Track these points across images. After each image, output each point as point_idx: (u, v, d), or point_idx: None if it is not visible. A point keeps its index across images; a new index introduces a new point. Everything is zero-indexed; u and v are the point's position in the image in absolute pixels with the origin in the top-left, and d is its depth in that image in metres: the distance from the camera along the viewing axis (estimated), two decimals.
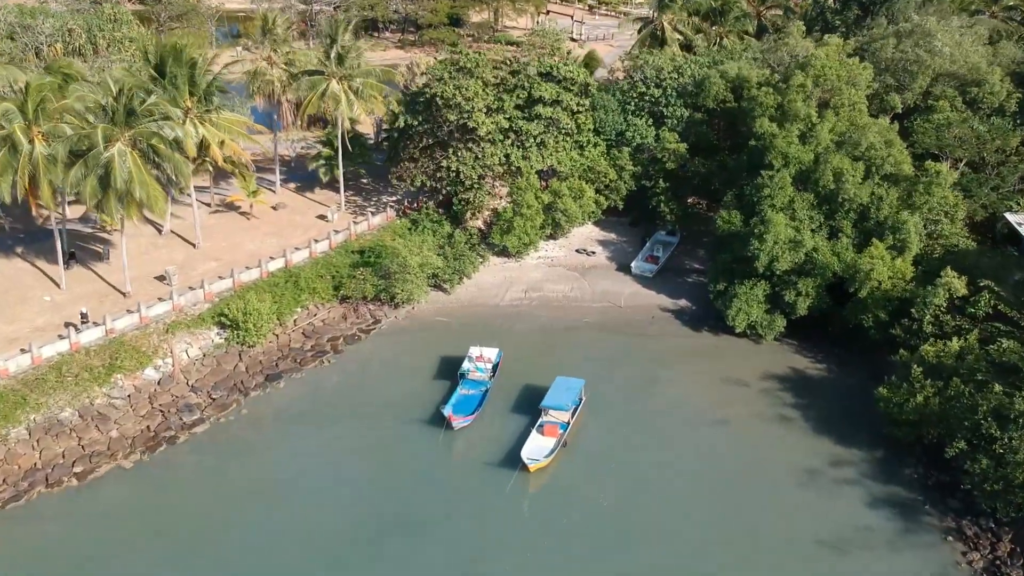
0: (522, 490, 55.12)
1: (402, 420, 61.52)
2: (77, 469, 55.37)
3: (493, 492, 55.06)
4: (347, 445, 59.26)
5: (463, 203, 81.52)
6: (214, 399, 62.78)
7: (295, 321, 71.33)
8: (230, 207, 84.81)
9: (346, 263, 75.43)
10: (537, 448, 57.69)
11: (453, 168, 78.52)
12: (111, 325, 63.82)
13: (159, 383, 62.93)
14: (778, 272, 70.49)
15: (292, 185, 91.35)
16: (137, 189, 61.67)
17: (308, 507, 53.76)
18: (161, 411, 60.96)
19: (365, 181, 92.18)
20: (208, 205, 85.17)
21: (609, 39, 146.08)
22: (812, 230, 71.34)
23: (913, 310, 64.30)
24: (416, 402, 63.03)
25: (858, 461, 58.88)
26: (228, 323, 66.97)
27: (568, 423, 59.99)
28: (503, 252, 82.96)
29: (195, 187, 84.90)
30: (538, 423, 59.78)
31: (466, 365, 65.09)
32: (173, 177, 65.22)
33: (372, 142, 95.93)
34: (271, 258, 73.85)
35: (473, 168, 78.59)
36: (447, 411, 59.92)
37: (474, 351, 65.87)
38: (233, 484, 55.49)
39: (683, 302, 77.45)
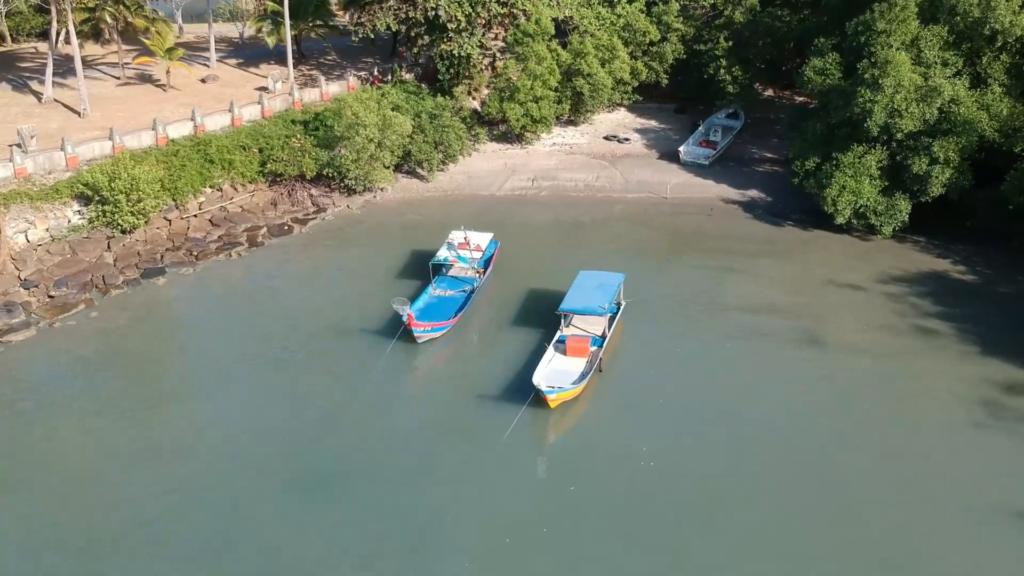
0: (530, 435, 33.08)
1: (333, 331, 39.91)
2: None
3: (479, 438, 33.23)
4: (238, 362, 37.64)
5: (449, 63, 59.76)
6: (53, 297, 41.53)
7: (200, 204, 49.92)
8: (142, 77, 63.71)
9: (282, 134, 53.93)
10: (557, 372, 35.97)
11: (432, 6, 56.73)
12: None
13: None
14: (899, 135, 48.17)
15: (234, 61, 70.17)
16: None
17: (165, 452, 32.23)
18: None
19: (330, 58, 70.89)
20: (117, 78, 64.14)
21: None
22: (946, 78, 48.88)
23: None
24: (360, 309, 41.42)
25: None
26: (93, 197, 45.69)
27: (603, 337, 38.25)
28: (504, 137, 61.29)
29: (106, 63, 65.45)
30: (557, 337, 38.13)
31: (443, 253, 43.39)
32: None
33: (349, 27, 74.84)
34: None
35: (459, 5, 56.77)
36: (403, 310, 38.00)
37: (456, 236, 44.23)
38: (42, 419, 33.99)
39: (754, 192, 55.22)
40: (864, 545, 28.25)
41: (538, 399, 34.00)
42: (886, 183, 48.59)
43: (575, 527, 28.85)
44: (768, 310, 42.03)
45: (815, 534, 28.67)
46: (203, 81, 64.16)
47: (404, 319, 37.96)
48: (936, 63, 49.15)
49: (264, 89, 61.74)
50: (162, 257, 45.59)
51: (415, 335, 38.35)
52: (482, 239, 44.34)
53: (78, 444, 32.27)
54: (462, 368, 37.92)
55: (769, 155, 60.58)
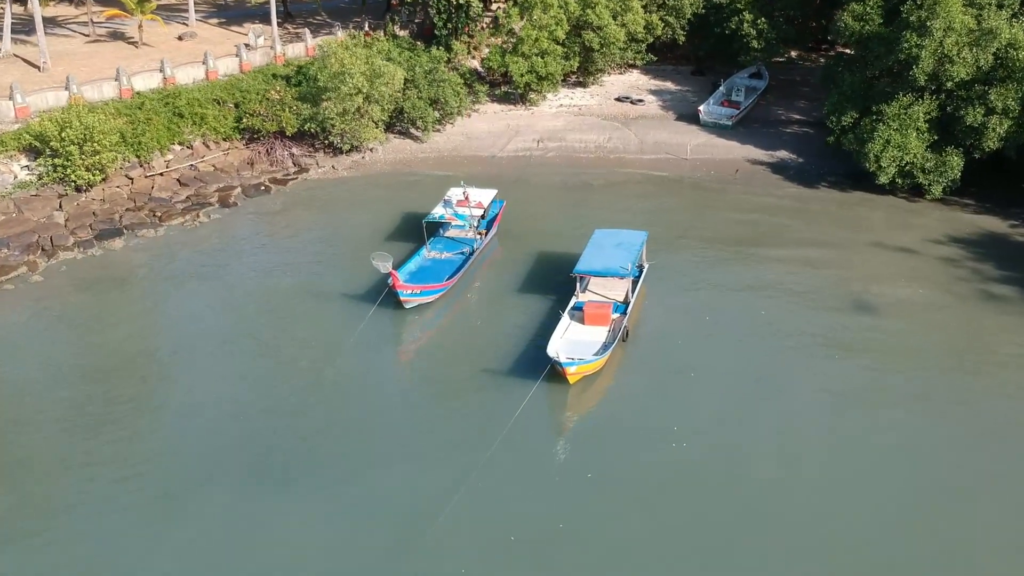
0: (544, 415, 27.63)
1: (309, 296, 34.74)
2: None
3: (482, 418, 28.00)
4: (193, 333, 32.36)
5: (447, 16, 54.57)
6: None
7: (167, 162, 44.72)
8: (114, 35, 58.55)
9: (261, 88, 48.76)
10: (576, 343, 30.67)
11: None
12: None
13: None
14: (949, 84, 42.95)
15: (215, 20, 65.03)
16: None
17: (104, 435, 26.95)
18: None
19: (319, 18, 65.79)
20: (87, 35, 58.98)
21: None
22: (1003, 19, 43.58)
23: None
24: (341, 273, 36.32)
25: None
26: (43, 149, 40.53)
27: (626, 303, 33.00)
28: (506, 98, 56.11)
29: (77, 22, 60.50)
30: (572, 303, 32.88)
31: (440, 211, 38.19)
32: None
33: None
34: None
35: None
36: (385, 266, 32.64)
37: (455, 193, 39.11)
38: None
39: (783, 153, 50.02)
40: (933, 549, 23.01)
41: (554, 373, 28.79)
42: (935, 137, 43.33)
43: (594, 521, 23.60)
44: (808, 273, 36.83)
45: (875, 535, 23.41)
46: (180, 39, 58.93)
47: (388, 280, 32.78)
48: (990, 3, 43.89)
49: (246, 47, 56.63)
50: (121, 218, 40.43)
51: (402, 299, 33.16)
52: (484, 195, 39.19)
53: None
54: (460, 338, 32.66)
55: (797, 116, 55.40)
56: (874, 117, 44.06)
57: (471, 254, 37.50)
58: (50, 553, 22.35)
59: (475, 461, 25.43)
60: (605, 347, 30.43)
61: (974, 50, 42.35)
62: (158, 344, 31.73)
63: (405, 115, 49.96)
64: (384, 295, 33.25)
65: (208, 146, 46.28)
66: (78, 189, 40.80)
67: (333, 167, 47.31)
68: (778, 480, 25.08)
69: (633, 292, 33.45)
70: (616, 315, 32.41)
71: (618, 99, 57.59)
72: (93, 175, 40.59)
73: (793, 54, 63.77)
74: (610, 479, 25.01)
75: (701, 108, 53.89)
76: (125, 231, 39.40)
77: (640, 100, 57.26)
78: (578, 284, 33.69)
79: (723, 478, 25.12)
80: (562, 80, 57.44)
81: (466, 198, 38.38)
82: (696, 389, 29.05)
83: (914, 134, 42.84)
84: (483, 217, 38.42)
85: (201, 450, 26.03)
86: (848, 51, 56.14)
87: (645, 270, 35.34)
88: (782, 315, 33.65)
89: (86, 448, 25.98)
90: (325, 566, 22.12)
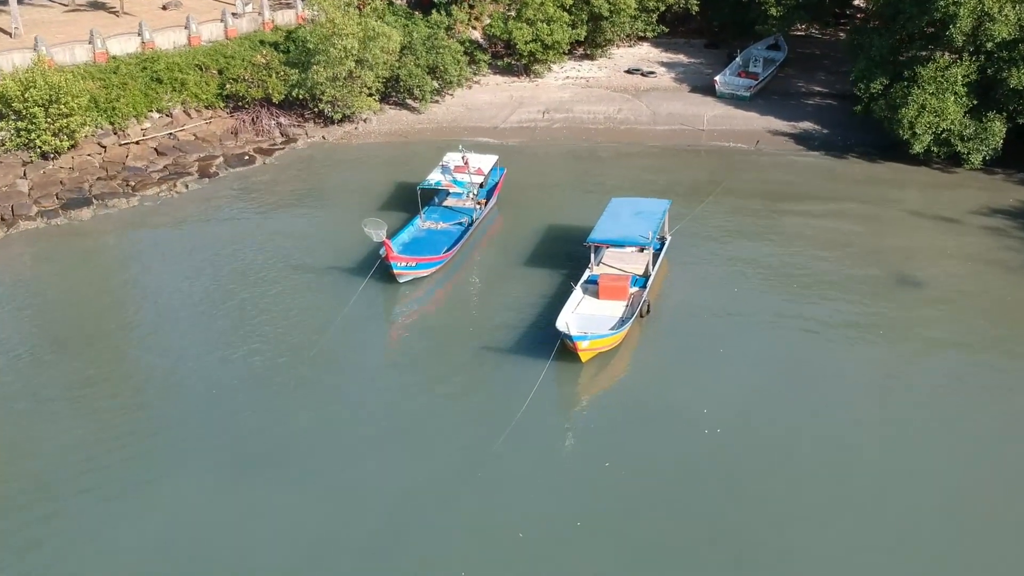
0: (555, 398, 24.39)
1: (294, 269, 31.56)
2: None
3: (488, 402, 24.90)
4: (163, 308, 29.17)
5: None
6: None
7: (144, 131, 41.43)
8: (94, 4, 55.20)
9: (247, 55, 45.50)
10: (588, 318, 27.27)
11: None
12: None
13: None
14: (990, 44, 39.67)
15: None
16: None
17: (61, 416, 23.80)
18: None
19: None
20: (65, 4, 55.67)
21: None
22: None
23: None
24: (329, 245, 33.13)
25: None
26: (7, 112, 37.28)
27: (647, 276, 29.67)
28: (509, 70, 52.81)
29: None
30: (585, 276, 29.60)
31: (436, 177, 34.86)
32: None
33: None
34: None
35: None
36: (378, 234, 29.38)
37: (452, 157, 35.84)
38: None
39: (806, 124, 46.68)
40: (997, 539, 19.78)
41: (564, 351, 25.55)
42: (974, 102, 40.03)
43: (611, 516, 20.34)
44: (841, 243, 33.63)
45: (945, 533, 20.17)
46: (164, 8, 55.50)
47: (381, 251, 29.58)
48: None
49: (232, 14, 53.31)
50: (91, 187, 37.17)
51: (395, 272, 29.96)
52: (484, 161, 35.97)
53: None
54: (460, 315, 29.42)
55: (819, 88, 52.02)
56: (907, 82, 40.74)
57: (470, 224, 34.28)
58: (13, 541, 19.25)
59: (480, 450, 22.24)
60: (622, 322, 27.18)
61: (1017, 7, 39.06)
62: (127, 319, 28.52)
63: (401, 84, 46.69)
64: (376, 268, 30.05)
65: (189, 114, 43.00)
66: (44, 156, 37.58)
67: (323, 137, 44.05)
68: (822, 470, 21.82)
69: (654, 265, 30.17)
70: (635, 288, 29.15)
71: (628, 71, 54.30)
72: (61, 141, 37.33)
73: (813, 29, 60.44)
74: (631, 469, 21.79)
75: (717, 79, 50.63)
76: (95, 200, 36.15)
77: (651, 72, 53.98)
78: (592, 255, 30.47)
79: (760, 468, 21.88)
80: (568, 52, 54.25)
81: (465, 164, 35.12)
82: (726, 367, 25.80)
83: (952, 98, 39.51)
84: (482, 185, 35.20)
85: (178, 433, 23.02)
86: (871, 23, 52.89)
87: (667, 243, 32.03)
88: (816, 286, 30.47)
89: (49, 429, 22.99)
90: (316, 561, 18.94)
